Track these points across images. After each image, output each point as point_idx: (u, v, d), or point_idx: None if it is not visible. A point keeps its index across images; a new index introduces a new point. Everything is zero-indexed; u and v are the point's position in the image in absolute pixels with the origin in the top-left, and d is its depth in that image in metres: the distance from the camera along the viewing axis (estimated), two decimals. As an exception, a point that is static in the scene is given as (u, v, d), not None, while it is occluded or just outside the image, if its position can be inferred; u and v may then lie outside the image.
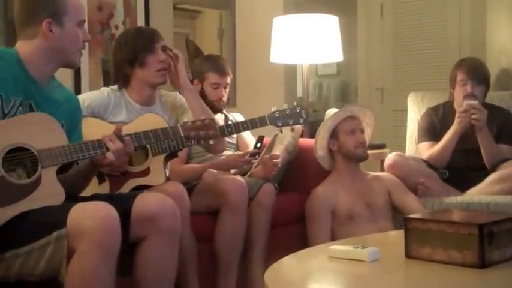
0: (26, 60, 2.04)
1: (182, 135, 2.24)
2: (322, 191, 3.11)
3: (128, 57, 2.66)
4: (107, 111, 2.66)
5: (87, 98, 2.67)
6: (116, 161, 2.08)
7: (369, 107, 3.51)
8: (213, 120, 2.30)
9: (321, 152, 3.17)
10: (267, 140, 3.16)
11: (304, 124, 2.69)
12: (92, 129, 2.35)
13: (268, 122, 2.55)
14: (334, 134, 3.16)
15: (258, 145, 3.08)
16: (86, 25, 2.16)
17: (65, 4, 2.06)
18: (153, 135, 2.17)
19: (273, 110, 2.57)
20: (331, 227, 3.07)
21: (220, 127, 2.48)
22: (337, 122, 3.16)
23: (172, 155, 2.64)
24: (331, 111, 3.30)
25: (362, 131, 3.19)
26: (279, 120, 2.55)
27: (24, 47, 2.06)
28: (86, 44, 2.18)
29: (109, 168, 2.19)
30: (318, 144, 3.16)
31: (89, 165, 2.13)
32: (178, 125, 2.25)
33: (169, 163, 2.69)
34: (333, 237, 3.04)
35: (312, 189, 3.14)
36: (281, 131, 2.67)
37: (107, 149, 2.05)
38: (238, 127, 2.57)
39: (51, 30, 2.04)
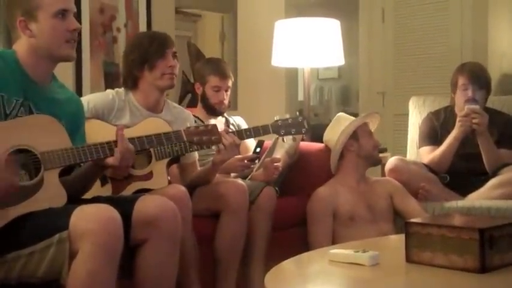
0: (22, 61, 2.04)
1: (185, 139, 2.24)
2: (324, 192, 3.12)
3: (139, 60, 2.68)
4: (111, 114, 2.67)
5: (92, 100, 2.67)
6: (121, 165, 2.07)
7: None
8: (215, 126, 2.31)
9: (337, 152, 3.16)
10: (267, 144, 3.16)
11: (306, 134, 2.73)
12: (96, 131, 2.36)
13: (271, 131, 2.60)
14: (353, 135, 3.16)
15: (258, 150, 3.08)
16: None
17: None
18: (156, 139, 2.17)
19: (275, 118, 2.60)
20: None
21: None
22: (361, 124, 3.17)
23: (175, 160, 2.65)
24: (342, 115, 3.30)
25: None
26: (282, 129, 2.60)
27: (18, 49, 2.06)
28: (75, 33, 2.07)
29: (112, 171, 2.19)
30: (339, 143, 3.14)
31: (94, 167, 2.13)
32: (181, 130, 2.25)
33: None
34: (334, 238, 3.05)
35: (312, 193, 3.14)
36: (283, 140, 2.72)
37: (111, 153, 2.05)
38: (241, 134, 2.61)
39: (28, 29, 2.01)
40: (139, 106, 2.71)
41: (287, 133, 2.63)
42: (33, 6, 2.00)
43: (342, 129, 3.16)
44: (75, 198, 2.05)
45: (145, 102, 2.72)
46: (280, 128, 2.60)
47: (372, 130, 3.26)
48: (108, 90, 2.78)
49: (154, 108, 2.74)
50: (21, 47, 2.05)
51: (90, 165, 2.11)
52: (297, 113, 2.77)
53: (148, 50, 2.68)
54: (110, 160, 2.05)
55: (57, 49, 2.04)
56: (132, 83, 2.72)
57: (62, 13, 2.02)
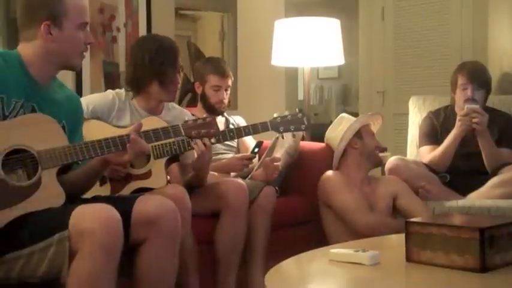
0: (27, 62, 2.04)
1: (183, 133, 2.23)
2: (335, 173, 3.11)
3: (151, 70, 2.67)
4: (111, 115, 2.67)
5: (91, 101, 2.67)
6: (134, 158, 2.08)
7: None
8: (214, 119, 2.31)
9: (341, 149, 3.16)
10: (266, 144, 3.16)
11: (305, 131, 2.71)
12: (96, 132, 2.35)
13: (270, 128, 2.56)
14: (357, 134, 3.16)
15: (256, 150, 3.08)
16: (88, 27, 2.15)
17: (64, 7, 2.03)
18: (153, 134, 2.16)
19: (274, 116, 2.58)
20: (329, 223, 3.07)
21: (222, 131, 2.48)
22: (365, 123, 3.18)
23: (173, 159, 2.64)
24: (345, 115, 3.31)
25: None
26: (281, 126, 2.56)
27: (25, 49, 2.06)
28: (88, 46, 2.17)
29: (110, 171, 2.18)
30: (344, 139, 3.14)
31: (100, 163, 2.12)
32: (179, 124, 2.24)
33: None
34: (331, 235, 3.04)
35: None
36: (282, 137, 2.70)
37: (108, 150, 2.04)
38: (240, 132, 2.59)
39: (50, 33, 2.02)
40: (140, 108, 2.71)
41: (286, 130, 2.58)
42: (60, 13, 2.02)
43: (343, 128, 3.16)
44: (74, 198, 2.05)
45: (145, 105, 2.73)
46: (279, 125, 2.57)
47: (374, 131, 3.27)
48: (108, 91, 2.77)
49: (154, 112, 2.74)
50: (32, 48, 2.04)
51: (96, 162, 2.11)
52: (296, 109, 2.74)
53: (163, 64, 2.66)
54: (124, 158, 2.07)
55: (72, 58, 2.09)
56: (137, 88, 2.72)
57: (84, 26, 2.09)
